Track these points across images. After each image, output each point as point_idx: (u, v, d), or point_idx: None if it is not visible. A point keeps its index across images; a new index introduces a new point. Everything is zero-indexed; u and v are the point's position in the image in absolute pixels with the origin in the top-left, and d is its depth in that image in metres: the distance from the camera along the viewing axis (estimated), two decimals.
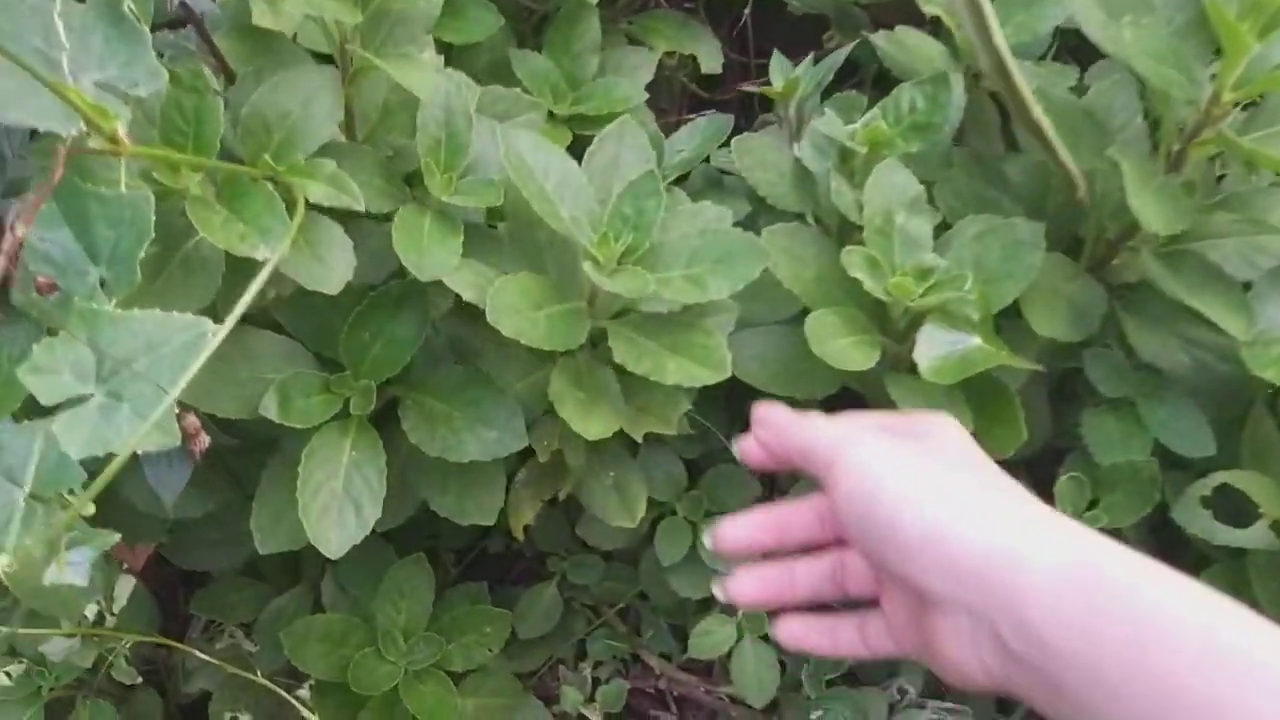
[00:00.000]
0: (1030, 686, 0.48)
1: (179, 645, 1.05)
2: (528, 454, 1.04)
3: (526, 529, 1.19)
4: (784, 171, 0.96)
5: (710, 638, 1.06)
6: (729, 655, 1.07)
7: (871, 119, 0.90)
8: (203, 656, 1.04)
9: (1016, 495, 0.52)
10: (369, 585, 1.09)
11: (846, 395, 0.93)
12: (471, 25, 1.00)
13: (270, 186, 0.70)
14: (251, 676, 1.02)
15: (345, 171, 0.79)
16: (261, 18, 0.80)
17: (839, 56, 1.02)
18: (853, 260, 0.84)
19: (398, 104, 0.85)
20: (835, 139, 0.93)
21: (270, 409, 0.81)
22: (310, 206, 0.73)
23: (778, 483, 1.10)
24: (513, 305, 0.77)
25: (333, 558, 0.81)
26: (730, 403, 1.13)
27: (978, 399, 0.88)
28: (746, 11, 1.28)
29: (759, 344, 0.92)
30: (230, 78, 0.78)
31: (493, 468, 0.93)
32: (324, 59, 0.81)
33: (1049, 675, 0.46)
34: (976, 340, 0.83)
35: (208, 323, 0.60)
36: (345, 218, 0.81)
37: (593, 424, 0.82)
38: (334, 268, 0.76)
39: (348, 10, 0.75)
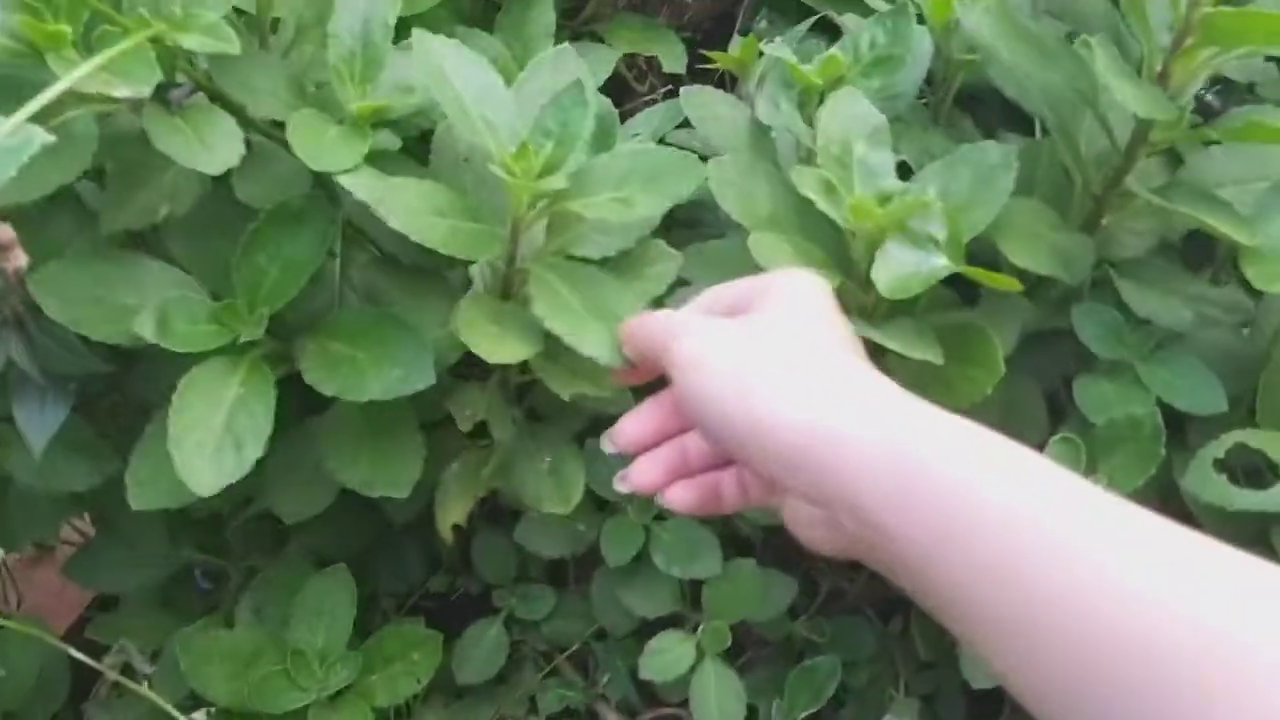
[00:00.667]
0: (874, 561, 0.49)
1: None
2: (460, 446, 0.95)
3: (470, 560, 1.08)
4: (739, 127, 0.89)
5: (664, 656, 0.93)
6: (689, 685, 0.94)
7: (828, 54, 0.84)
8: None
9: (842, 366, 0.52)
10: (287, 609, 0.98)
11: None
12: None
13: (145, 40, 0.64)
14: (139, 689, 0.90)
15: (249, 79, 0.74)
16: None
17: (802, 28, 0.97)
18: (805, 180, 0.76)
19: (314, 19, 0.79)
20: (793, 86, 0.86)
21: (146, 328, 0.72)
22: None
23: None
24: (410, 206, 0.70)
25: (203, 494, 0.71)
26: None
27: (951, 339, 0.78)
28: None
29: None
30: None
31: (407, 437, 0.84)
32: None
33: (885, 552, 0.46)
34: (943, 260, 0.74)
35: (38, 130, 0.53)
36: (246, 126, 0.75)
37: (503, 349, 0.72)
38: (217, 151, 0.68)
39: None
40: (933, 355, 0.75)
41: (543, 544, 0.95)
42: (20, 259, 0.71)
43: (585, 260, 0.77)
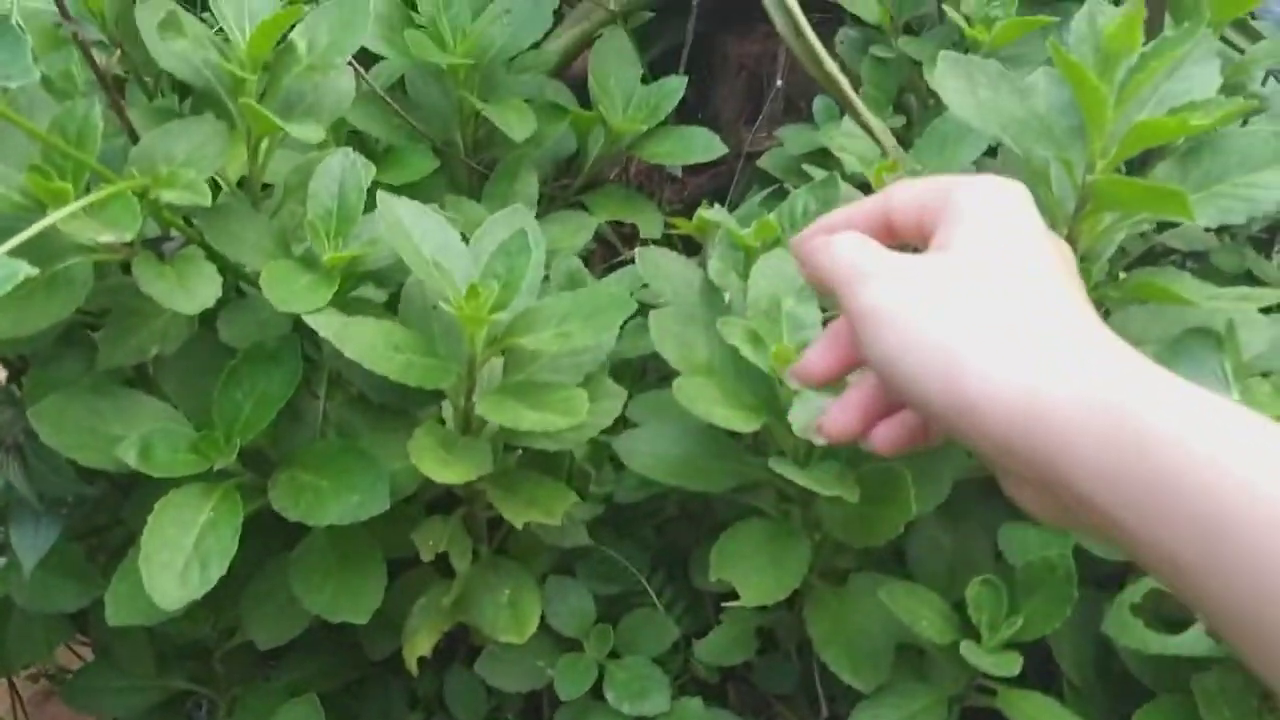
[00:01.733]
0: (1094, 530, 0.45)
1: None
2: (430, 581, 1.00)
3: (441, 697, 1.11)
4: (691, 284, 0.97)
5: None
6: None
7: (763, 219, 0.92)
8: None
9: (1062, 322, 0.47)
10: None
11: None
12: (408, 168, 1.06)
13: (133, 195, 0.73)
14: None
15: (236, 234, 0.83)
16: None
17: (753, 204, 1.05)
18: (731, 330, 0.83)
19: (298, 183, 0.89)
20: (737, 248, 0.94)
21: (130, 455, 0.80)
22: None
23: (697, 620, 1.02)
24: (368, 341, 0.78)
25: (167, 609, 0.77)
26: (660, 536, 1.09)
27: (873, 483, 0.83)
28: None
29: (657, 441, 0.90)
30: (124, 121, 0.83)
31: (371, 566, 0.90)
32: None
33: (1101, 522, 0.43)
34: None
35: (23, 265, 0.61)
36: (234, 276, 0.84)
37: (450, 472, 0.79)
38: (195, 295, 0.77)
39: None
40: (847, 494, 0.80)
41: (502, 678, 0.99)
42: None
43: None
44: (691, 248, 1.10)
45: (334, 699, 1.11)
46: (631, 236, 1.28)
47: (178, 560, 0.79)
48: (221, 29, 0.83)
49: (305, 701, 1.00)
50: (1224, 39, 1.04)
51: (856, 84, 1.18)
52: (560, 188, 1.29)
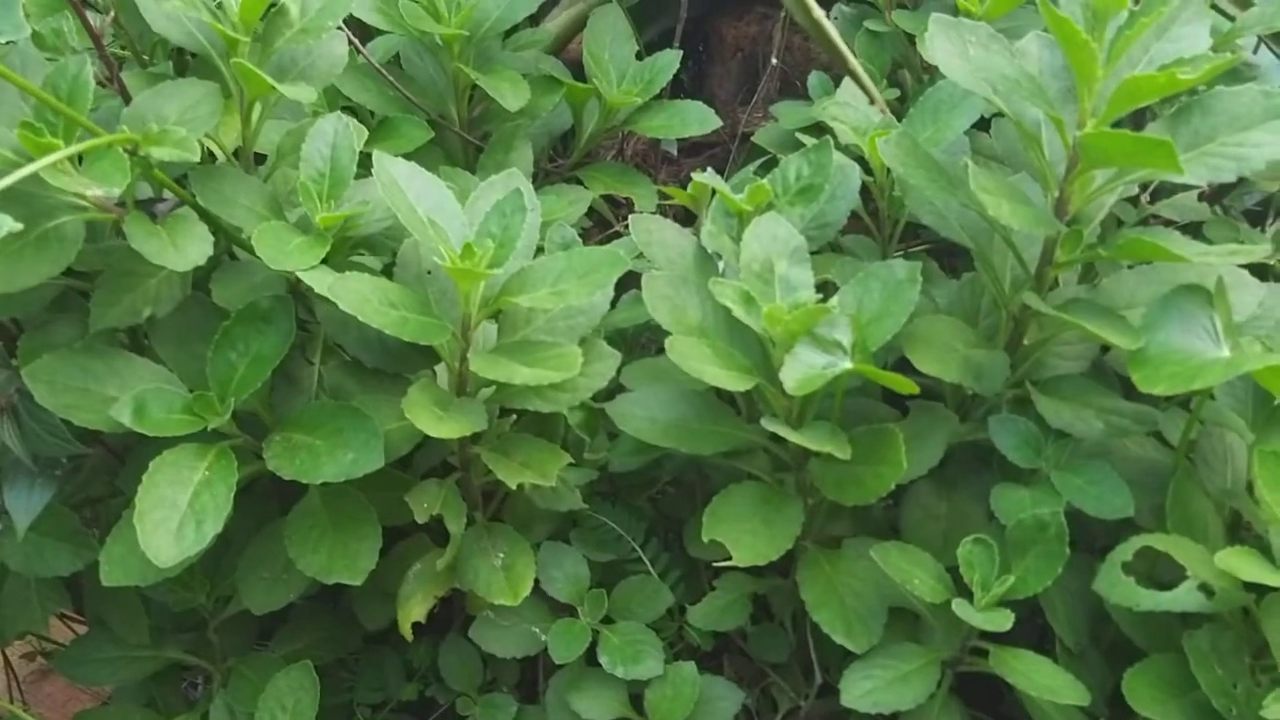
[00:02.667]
0: None
1: None
2: (425, 550, 1.00)
3: (437, 668, 1.11)
4: (684, 250, 0.97)
5: None
6: None
7: (756, 183, 0.92)
8: None
9: None
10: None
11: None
12: (402, 139, 1.07)
13: (123, 152, 0.73)
14: None
15: (230, 196, 0.83)
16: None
17: (747, 172, 1.06)
18: (724, 291, 0.83)
19: (291, 147, 0.89)
20: (731, 214, 0.94)
21: (124, 415, 0.80)
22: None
23: (692, 589, 1.02)
24: (362, 295, 0.78)
25: (162, 565, 0.77)
26: (655, 506, 1.09)
27: (865, 443, 0.84)
28: None
29: (651, 404, 0.90)
30: (119, 84, 0.83)
31: (366, 528, 0.90)
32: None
33: None
34: (848, 363, 0.80)
35: (6, 219, 0.62)
36: (228, 239, 0.84)
37: (444, 427, 0.79)
38: (185, 253, 0.77)
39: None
40: (839, 451, 0.80)
41: (497, 644, 0.99)
42: None
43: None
44: (686, 222, 1.10)
45: (330, 671, 1.11)
46: (627, 213, 1.28)
47: (172, 518, 0.79)
48: None
49: (300, 668, 1.00)
50: (1215, 7, 1.04)
51: None
52: (556, 166, 1.30)
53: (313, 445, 0.83)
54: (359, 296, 0.77)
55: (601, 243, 1.14)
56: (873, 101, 1.03)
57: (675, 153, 1.46)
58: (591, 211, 1.27)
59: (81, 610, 1.12)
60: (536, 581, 0.95)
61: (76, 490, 0.98)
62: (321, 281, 0.77)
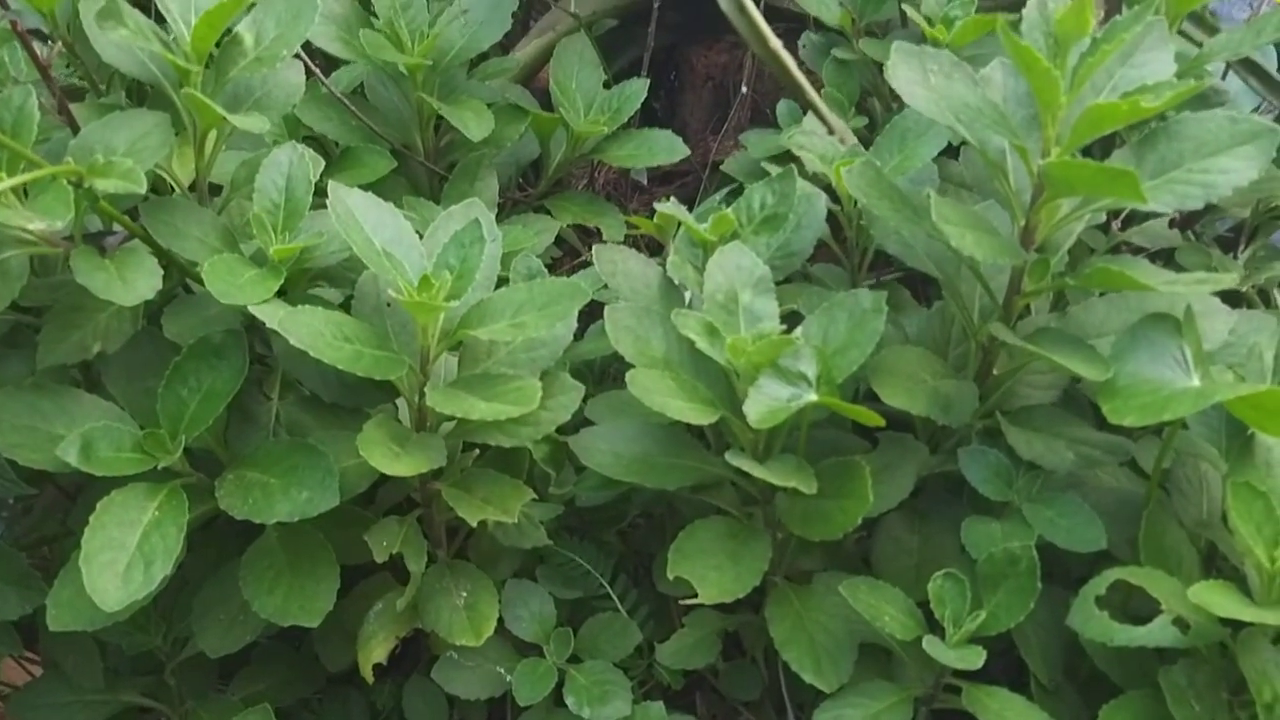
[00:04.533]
0: None
1: None
2: (386, 589, 0.98)
3: (402, 710, 1.09)
4: (650, 281, 0.95)
5: None
6: None
7: (720, 213, 0.90)
8: None
9: None
10: None
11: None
12: (365, 169, 1.05)
13: (68, 185, 0.72)
14: None
15: (180, 229, 0.82)
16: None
17: (713, 201, 1.05)
18: (686, 323, 0.82)
19: (245, 178, 0.87)
20: (695, 244, 0.93)
21: (70, 454, 0.78)
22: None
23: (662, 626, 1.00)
24: (315, 329, 0.76)
25: (108, 609, 0.75)
26: (623, 541, 1.07)
27: (832, 477, 0.82)
28: None
29: (615, 438, 0.88)
30: (67, 115, 0.82)
31: (323, 569, 0.87)
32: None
33: None
34: (813, 395, 0.79)
35: None
36: (180, 274, 0.82)
37: (400, 465, 0.77)
38: (134, 287, 0.75)
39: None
40: (804, 486, 0.78)
41: (460, 685, 0.96)
42: None
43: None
44: (656, 251, 1.09)
45: (292, 713, 1.08)
46: (597, 242, 1.27)
47: (120, 560, 0.77)
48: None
49: (260, 711, 0.97)
50: (1183, 33, 1.04)
51: (819, 87, 1.18)
52: (525, 195, 1.28)
53: (266, 484, 0.81)
54: (311, 331, 0.75)
55: (570, 273, 1.12)
56: (831, 131, 1.01)
57: (646, 181, 1.45)
58: (562, 241, 1.26)
59: (37, 650, 1.10)
60: (501, 620, 0.93)
61: (29, 530, 0.95)
62: (273, 316, 0.76)
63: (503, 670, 0.96)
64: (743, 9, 1.09)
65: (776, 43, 1.09)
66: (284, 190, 0.83)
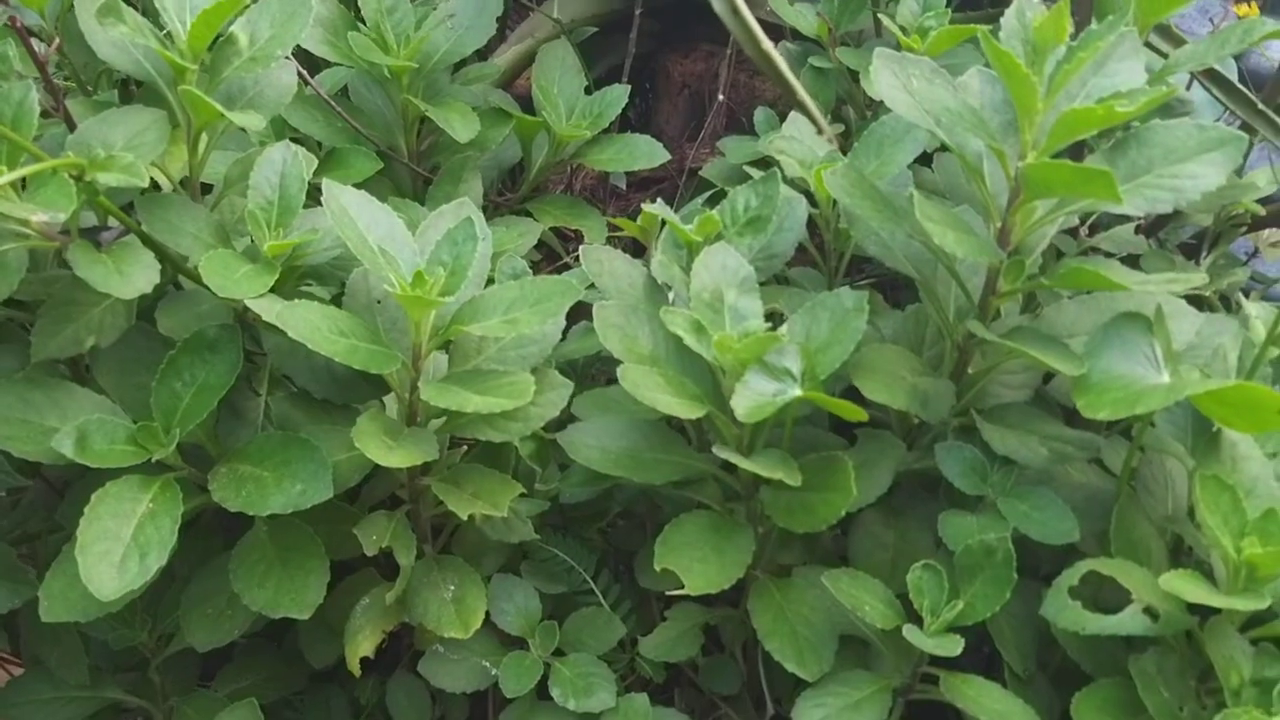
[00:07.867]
0: None
1: None
2: (374, 585, 0.99)
3: (385, 706, 1.10)
4: (635, 281, 0.97)
5: None
6: None
7: (705, 214, 0.92)
8: None
9: None
10: None
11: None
12: (351, 170, 1.06)
13: (68, 177, 0.73)
14: None
15: (176, 224, 0.83)
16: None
17: (696, 204, 1.07)
18: (674, 320, 0.84)
19: (239, 176, 0.88)
20: (680, 245, 0.95)
21: (65, 446, 0.78)
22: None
23: (644, 621, 1.02)
24: (311, 323, 0.77)
25: (104, 599, 0.75)
26: (606, 537, 1.09)
27: (815, 471, 0.84)
28: None
29: (602, 434, 0.90)
30: (63, 110, 0.83)
31: (313, 561, 0.88)
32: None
33: None
34: (798, 390, 0.81)
35: None
36: (174, 269, 0.83)
37: (394, 457, 0.78)
38: (132, 280, 0.76)
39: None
40: (790, 478, 0.80)
41: (446, 679, 0.97)
42: None
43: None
44: (636, 255, 1.11)
45: (275, 710, 1.09)
46: (576, 245, 1.29)
47: (115, 550, 0.78)
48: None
49: (245, 707, 0.98)
50: (1149, 45, 1.07)
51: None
52: (505, 199, 1.30)
53: (260, 477, 0.82)
54: (308, 324, 0.76)
55: (550, 275, 1.14)
56: (821, 133, 1.04)
57: (624, 187, 1.47)
58: (540, 244, 1.27)
59: (19, 651, 1.09)
60: (487, 614, 0.95)
61: (13, 525, 0.95)
62: (270, 309, 0.77)
63: (488, 664, 0.98)
64: (736, 11, 1.12)
65: (769, 44, 1.12)
66: (278, 187, 0.84)
